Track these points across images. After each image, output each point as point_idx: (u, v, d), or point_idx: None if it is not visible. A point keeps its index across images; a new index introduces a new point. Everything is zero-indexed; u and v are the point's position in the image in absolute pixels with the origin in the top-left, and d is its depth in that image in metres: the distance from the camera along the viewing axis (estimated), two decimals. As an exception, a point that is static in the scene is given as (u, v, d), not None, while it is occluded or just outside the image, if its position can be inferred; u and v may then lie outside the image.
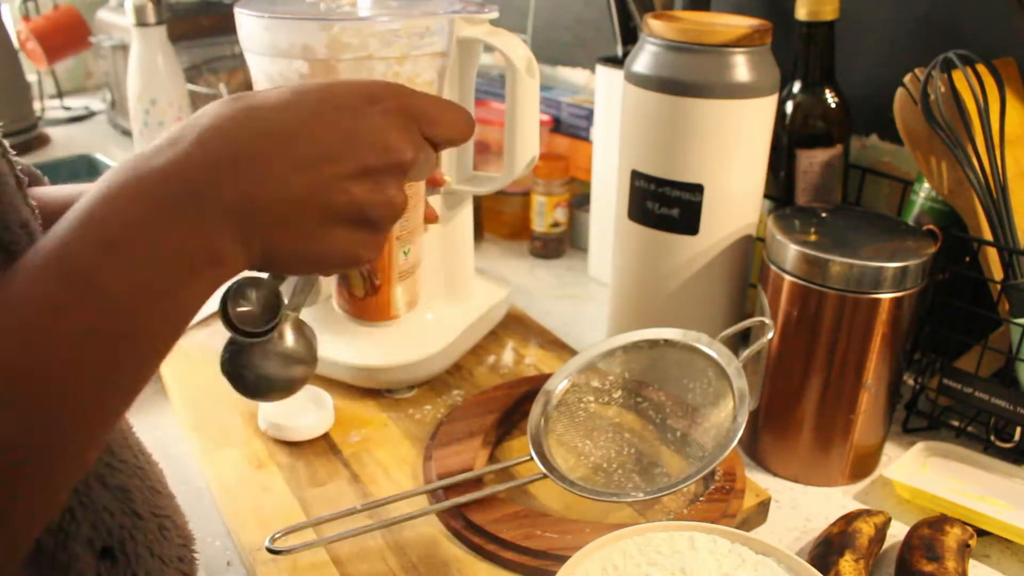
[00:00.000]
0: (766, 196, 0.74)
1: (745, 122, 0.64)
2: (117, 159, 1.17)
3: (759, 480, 0.64)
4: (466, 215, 0.75)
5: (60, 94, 1.58)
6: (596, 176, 0.92)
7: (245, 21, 0.65)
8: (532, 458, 0.57)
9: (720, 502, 0.58)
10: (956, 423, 0.70)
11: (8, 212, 0.34)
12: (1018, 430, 0.65)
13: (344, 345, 0.69)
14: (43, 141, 1.39)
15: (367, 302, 0.57)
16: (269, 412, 0.65)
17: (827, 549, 0.54)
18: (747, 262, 0.71)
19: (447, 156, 0.70)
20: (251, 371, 0.42)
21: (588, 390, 0.62)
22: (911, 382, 0.72)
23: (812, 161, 0.74)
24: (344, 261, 0.38)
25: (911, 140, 0.65)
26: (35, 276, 0.30)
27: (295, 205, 0.35)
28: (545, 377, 0.71)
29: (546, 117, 1.05)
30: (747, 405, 0.55)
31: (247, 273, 0.38)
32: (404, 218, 0.55)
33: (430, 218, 0.59)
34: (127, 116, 1.22)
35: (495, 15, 0.68)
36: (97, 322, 0.30)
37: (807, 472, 0.65)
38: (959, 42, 0.67)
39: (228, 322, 0.40)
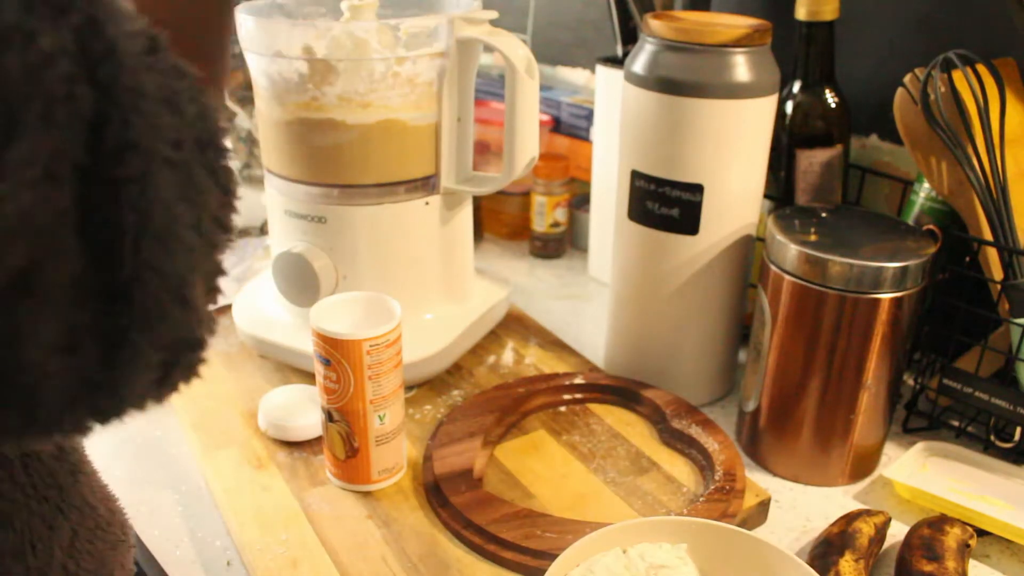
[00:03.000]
0: (766, 196, 0.74)
1: (745, 122, 0.64)
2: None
3: (759, 480, 0.64)
4: (466, 215, 0.75)
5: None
6: (596, 176, 0.92)
7: (245, 21, 0.65)
8: None
9: (720, 502, 0.58)
10: (956, 423, 0.70)
11: None
12: (1018, 430, 0.65)
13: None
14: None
15: (348, 464, 0.59)
16: (269, 412, 0.65)
17: (827, 549, 0.54)
18: (747, 262, 0.71)
19: (447, 156, 0.70)
20: None
21: None
22: (911, 382, 0.72)
23: (812, 161, 0.74)
24: None
25: (911, 140, 0.65)
26: None
27: None
28: (545, 377, 0.71)
29: (546, 117, 1.05)
30: None
31: None
32: (377, 383, 0.57)
33: None
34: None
35: (495, 15, 0.68)
36: None
37: (807, 472, 0.65)
38: (959, 42, 0.67)
39: None
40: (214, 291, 0.29)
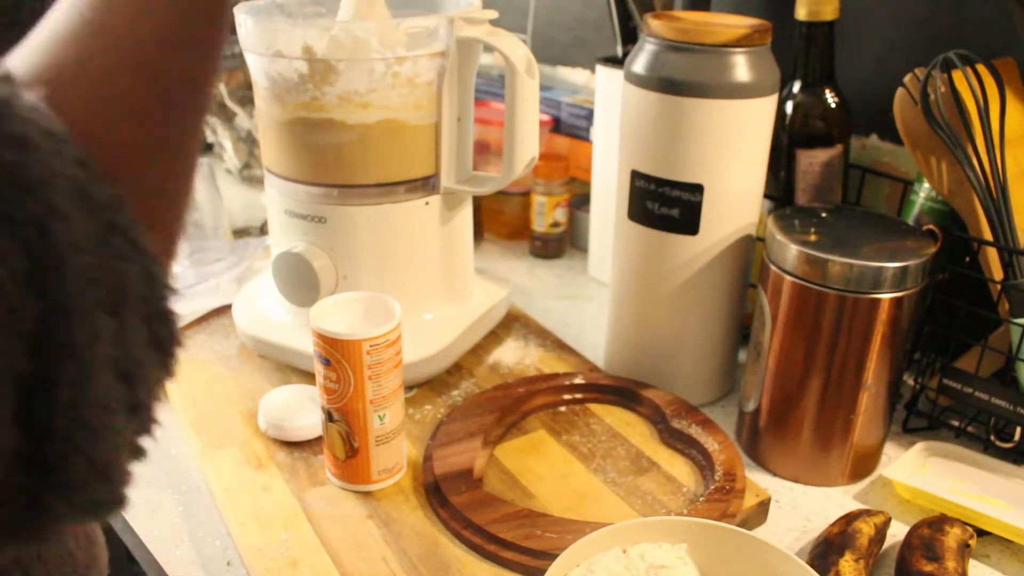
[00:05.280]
0: (766, 196, 0.74)
1: (745, 122, 0.64)
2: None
3: (759, 480, 0.64)
4: (466, 215, 0.75)
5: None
6: (596, 176, 0.92)
7: (245, 21, 0.65)
8: None
9: (720, 502, 0.58)
10: (956, 423, 0.70)
11: None
12: (1018, 430, 0.65)
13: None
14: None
15: (348, 464, 0.59)
16: (269, 412, 0.65)
17: (827, 549, 0.54)
18: (747, 262, 0.71)
19: (447, 156, 0.70)
20: None
21: None
22: (911, 382, 0.72)
23: (812, 161, 0.74)
24: None
25: (911, 140, 0.65)
26: None
27: None
28: (545, 377, 0.71)
29: (546, 117, 1.05)
30: None
31: None
32: (377, 383, 0.57)
33: None
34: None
35: (495, 15, 0.68)
36: None
37: (807, 472, 0.65)
38: (959, 42, 0.67)
39: None
40: (145, 428, 0.29)
